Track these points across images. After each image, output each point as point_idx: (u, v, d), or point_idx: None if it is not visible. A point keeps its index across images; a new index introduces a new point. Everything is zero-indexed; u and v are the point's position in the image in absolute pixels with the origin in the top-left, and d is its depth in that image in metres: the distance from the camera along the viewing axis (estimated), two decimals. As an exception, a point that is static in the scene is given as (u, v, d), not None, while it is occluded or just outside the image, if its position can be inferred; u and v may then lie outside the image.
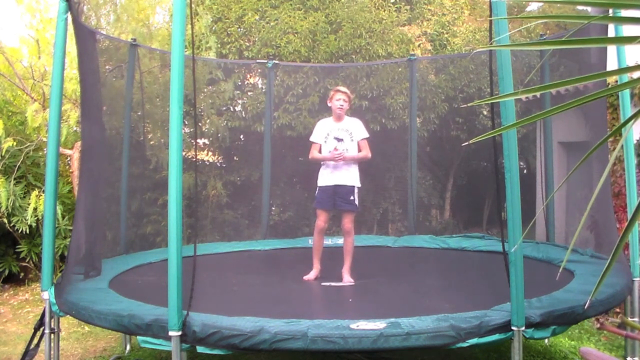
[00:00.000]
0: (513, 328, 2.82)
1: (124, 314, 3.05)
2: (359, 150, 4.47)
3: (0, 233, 6.71)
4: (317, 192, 4.57)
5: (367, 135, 4.50)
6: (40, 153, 6.81)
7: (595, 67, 4.35)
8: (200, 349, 2.84)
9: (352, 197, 4.43)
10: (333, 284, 4.36)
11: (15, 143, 6.32)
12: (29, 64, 6.69)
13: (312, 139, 4.60)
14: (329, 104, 4.56)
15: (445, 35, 8.40)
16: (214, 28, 7.51)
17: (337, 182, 4.44)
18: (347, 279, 4.39)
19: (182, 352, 2.81)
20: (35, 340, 3.71)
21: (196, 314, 2.87)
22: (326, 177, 4.48)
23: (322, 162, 4.52)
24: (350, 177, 4.45)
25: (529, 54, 7.20)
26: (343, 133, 4.46)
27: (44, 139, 5.92)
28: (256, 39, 7.52)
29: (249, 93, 7.73)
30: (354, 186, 4.45)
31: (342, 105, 4.44)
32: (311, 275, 4.49)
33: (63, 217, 6.50)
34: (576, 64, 6.00)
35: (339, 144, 4.43)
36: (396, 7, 8.29)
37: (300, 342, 2.72)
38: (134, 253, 5.17)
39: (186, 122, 6.40)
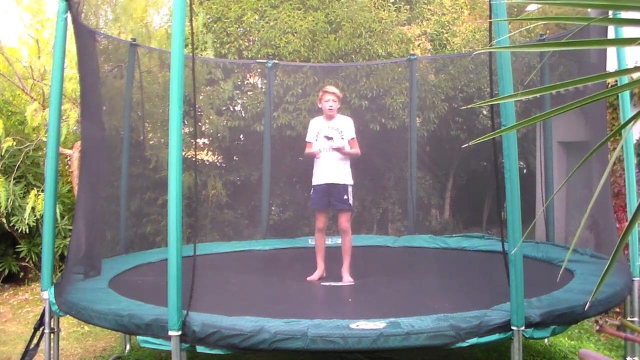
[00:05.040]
0: (513, 328, 2.82)
1: (124, 314, 3.05)
2: (351, 149, 4.48)
3: (0, 233, 6.71)
4: (312, 191, 4.58)
5: (354, 135, 4.51)
6: (40, 153, 6.81)
7: (596, 67, 4.36)
8: (200, 349, 2.84)
9: (346, 197, 4.44)
10: (333, 284, 4.36)
11: (15, 143, 6.31)
12: (28, 64, 6.69)
13: (307, 139, 4.64)
14: (320, 105, 4.59)
15: (445, 35, 8.39)
16: (213, 28, 7.51)
17: (330, 180, 4.44)
18: (347, 279, 4.39)
19: (182, 352, 2.81)
20: (35, 340, 3.71)
21: (196, 313, 2.88)
22: (319, 176, 4.49)
23: (314, 161, 4.54)
24: (343, 175, 4.45)
25: (529, 54, 7.20)
26: (333, 132, 4.47)
27: (44, 139, 5.92)
28: (256, 39, 7.52)
29: (249, 93, 7.72)
30: (347, 185, 4.45)
31: (331, 107, 4.47)
32: (315, 276, 4.49)
33: (63, 217, 6.50)
34: (576, 64, 6.01)
35: (329, 142, 4.44)
36: (396, 7, 8.29)
37: (300, 342, 2.73)
38: (134, 253, 5.17)
39: (186, 122, 6.40)
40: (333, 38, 7.30)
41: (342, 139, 4.44)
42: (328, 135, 4.46)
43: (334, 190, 4.44)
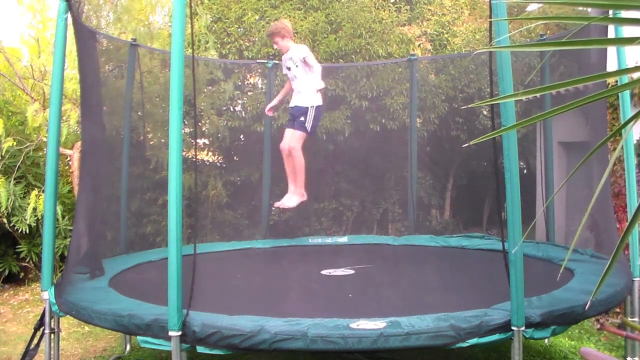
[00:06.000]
0: (513, 328, 2.82)
1: (124, 314, 3.05)
2: (309, 69, 4.83)
3: (0, 233, 6.71)
4: None
5: (305, 54, 4.82)
6: (40, 153, 6.81)
7: (595, 67, 4.35)
8: (200, 349, 2.84)
9: (302, 118, 4.80)
10: (332, 272, 4.41)
11: (15, 143, 6.31)
12: (29, 63, 6.69)
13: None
14: None
15: (445, 35, 8.39)
16: (213, 28, 7.51)
17: (292, 104, 4.96)
18: (293, 193, 4.89)
19: (182, 352, 2.81)
20: (35, 340, 3.71)
21: (196, 313, 2.87)
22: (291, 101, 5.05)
23: None
24: (302, 98, 4.86)
25: (529, 54, 7.20)
26: (289, 62, 4.92)
27: (44, 139, 5.92)
28: (256, 39, 7.52)
29: (249, 93, 7.72)
30: (305, 107, 4.83)
31: (275, 46, 5.07)
32: (283, 201, 5.00)
33: (63, 217, 6.50)
34: (576, 64, 6.00)
35: (288, 72, 4.97)
36: (396, 7, 8.29)
37: (300, 342, 2.72)
38: (134, 253, 5.17)
39: (186, 122, 6.40)
40: (333, 38, 7.30)
41: (297, 66, 4.86)
42: (287, 66, 4.98)
43: (294, 112, 4.90)
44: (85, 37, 4.19)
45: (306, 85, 4.84)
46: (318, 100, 4.84)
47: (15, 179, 6.42)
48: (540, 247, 4.81)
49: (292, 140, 4.83)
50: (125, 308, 3.16)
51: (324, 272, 4.46)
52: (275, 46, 5.05)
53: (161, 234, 6.48)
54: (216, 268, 4.74)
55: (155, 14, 7.48)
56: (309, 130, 4.80)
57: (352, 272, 4.42)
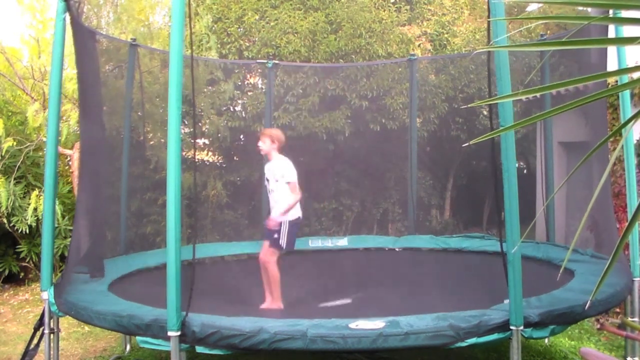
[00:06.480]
0: (511, 327, 2.82)
1: (124, 314, 3.04)
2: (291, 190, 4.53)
3: (0, 233, 6.70)
4: None
5: (288, 179, 4.51)
6: (40, 153, 6.81)
7: (596, 67, 4.34)
8: (199, 349, 2.84)
9: (276, 235, 4.52)
10: (330, 304, 4.37)
11: (15, 143, 6.31)
12: (29, 64, 6.69)
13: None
14: None
15: (445, 35, 8.39)
16: (213, 28, 7.51)
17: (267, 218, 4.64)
18: (268, 306, 4.40)
19: (182, 352, 2.81)
20: (35, 340, 3.70)
21: (196, 314, 2.87)
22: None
23: None
24: (276, 213, 4.55)
25: (529, 54, 7.19)
26: (269, 174, 4.65)
27: (44, 139, 5.91)
28: (256, 39, 7.52)
29: (249, 93, 7.72)
30: (280, 222, 4.53)
31: (259, 148, 4.64)
32: (270, 305, 4.45)
33: (63, 217, 6.49)
34: (576, 64, 6.00)
35: (266, 184, 4.66)
36: (396, 7, 8.29)
37: (300, 342, 2.72)
38: (134, 253, 5.16)
39: (186, 122, 6.40)
40: (333, 38, 7.30)
41: (276, 181, 4.56)
42: (267, 177, 4.68)
43: (268, 228, 4.60)
44: (85, 37, 4.18)
45: (281, 199, 4.56)
46: (293, 215, 4.60)
47: (15, 179, 6.41)
48: (540, 247, 4.81)
49: (266, 253, 4.56)
50: (125, 308, 3.16)
51: (321, 305, 4.39)
52: (259, 143, 4.66)
53: (161, 234, 6.47)
54: (216, 269, 4.74)
55: (155, 14, 7.48)
56: (284, 247, 4.53)
57: (349, 301, 4.37)
